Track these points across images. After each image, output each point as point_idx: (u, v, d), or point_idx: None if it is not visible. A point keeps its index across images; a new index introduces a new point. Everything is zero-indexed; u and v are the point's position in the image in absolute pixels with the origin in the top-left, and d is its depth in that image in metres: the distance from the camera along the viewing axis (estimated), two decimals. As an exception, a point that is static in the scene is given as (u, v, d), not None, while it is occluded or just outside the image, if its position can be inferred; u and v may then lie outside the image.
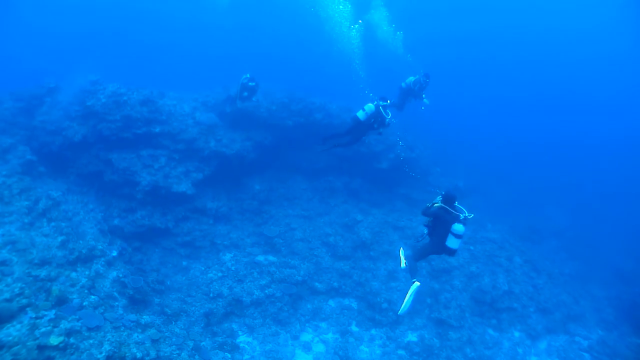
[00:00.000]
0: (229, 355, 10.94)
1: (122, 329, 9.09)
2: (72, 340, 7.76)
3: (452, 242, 7.69)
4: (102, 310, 9.22)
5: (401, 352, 12.18)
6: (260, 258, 13.94)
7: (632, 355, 13.54)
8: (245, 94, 14.56)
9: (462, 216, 7.61)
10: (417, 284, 8.57)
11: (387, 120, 10.22)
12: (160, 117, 14.13)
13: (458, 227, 7.54)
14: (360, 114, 10.17)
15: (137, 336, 9.11)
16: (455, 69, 40.28)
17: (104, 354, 7.91)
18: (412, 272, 8.79)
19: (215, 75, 20.44)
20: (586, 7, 43.68)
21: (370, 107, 10.14)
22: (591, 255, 18.89)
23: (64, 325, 7.93)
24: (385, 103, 10.21)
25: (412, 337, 12.67)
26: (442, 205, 7.79)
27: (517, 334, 13.60)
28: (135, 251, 12.94)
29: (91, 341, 8.06)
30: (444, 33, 49.19)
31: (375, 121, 10.22)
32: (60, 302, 8.61)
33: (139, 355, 8.48)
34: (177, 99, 15.43)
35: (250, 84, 14.40)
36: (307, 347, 11.89)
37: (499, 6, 47.84)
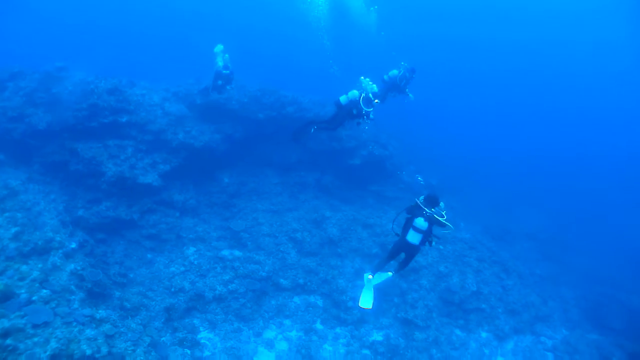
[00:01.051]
0: (189, 352, 10.73)
1: (73, 325, 8.80)
2: (8, 341, 7.38)
3: (411, 236, 7.78)
4: (54, 305, 8.94)
5: (365, 351, 12.06)
6: (226, 252, 13.71)
7: (588, 350, 13.71)
8: (220, 82, 14.25)
9: (427, 212, 7.65)
10: (370, 276, 8.65)
11: (370, 113, 9.95)
12: (128, 107, 13.83)
13: (418, 221, 7.67)
14: (342, 99, 9.99)
15: (90, 332, 8.85)
16: (436, 67, 40.05)
17: (48, 352, 7.63)
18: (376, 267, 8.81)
19: (190, 65, 20.06)
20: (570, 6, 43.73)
21: (354, 93, 9.92)
22: (563, 257, 19.04)
23: (3, 324, 7.58)
24: (370, 96, 9.91)
25: (377, 336, 12.57)
26: (419, 202, 7.85)
27: (484, 334, 13.57)
28: (99, 243, 12.64)
29: (36, 339, 7.76)
30: (427, 31, 48.94)
31: (356, 109, 9.97)
32: (5, 297, 8.27)
33: (88, 352, 8.24)
34: (148, 89, 15.13)
35: (225, 71, 14.08)
36: (269, 345, 11.74)
37: (481, 6, 47.86)
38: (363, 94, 9.90)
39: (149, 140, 13.95)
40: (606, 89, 48.61)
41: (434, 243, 8.14)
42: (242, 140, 16.26)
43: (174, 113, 14.56)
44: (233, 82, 14.30)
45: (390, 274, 8.87)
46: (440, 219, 7.73)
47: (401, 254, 8.52)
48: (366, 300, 8.74)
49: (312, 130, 10.85)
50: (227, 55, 13.61)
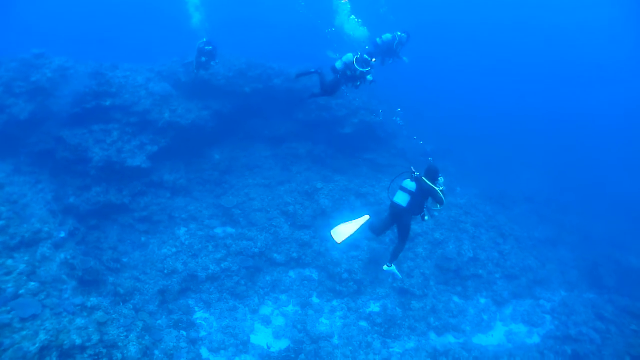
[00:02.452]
0: (185, 333, 10.86)
1: (63, 315, 8.88)
2: (-7, 338, 7.37)
3: (398, 197, 7.51)
4: (43, 297, 8.99)
5: (363, 323, 12.11)
6: (218, 230, 13.72)
7: (584, 310, 13.68)
8: (204, 59, 13.94)
9: (416, 173, 7.43)
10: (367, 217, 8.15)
11: (369, 75, 9.57)
12: (110, 90, 13.61)
13: (406, 182, 7.46)
14: (338, 64, 9.61)
15: (80, 321, 8.90)
16: (429, 30, 38.88)
17: (37, 345, 7.65)
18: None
19: (175, 43, 19.61)
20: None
21: (348, 56, 9.52)
22: (562, 219, 18.81)
23: (-13, 321, 7.58)
24: (366, 57, 9.49)
25: (374, 307, 12.58)
26: (412, 169, 7.57)
27: (482, 300, 13.54)
28: (91, 229, 12.68)
29: (24, 333, 7.79)
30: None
31: (350, 71, 9.57)
32: (-11, 294, 8.36)
33: (78, 341, 8.30)
34: (131, 70, 14.85)
35: (207, 48, 13.75)
36: (266, 321, 11.83)
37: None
38: (357, 56, 9.56)
39: (135, 123, 13.77)
40: (604, 46, 47.05)
41: (427, 217, 7.81)
42: (231, 116, 16.02)
43: (158, 93, 14.32)
44: (217, 58, 13.99)
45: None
46: (428, 182, 7.42)
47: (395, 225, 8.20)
48: (341, 234, 8.05)
49: (315, 72, 10.43)
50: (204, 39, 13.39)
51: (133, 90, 14.01)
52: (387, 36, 12.75)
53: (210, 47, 13.74)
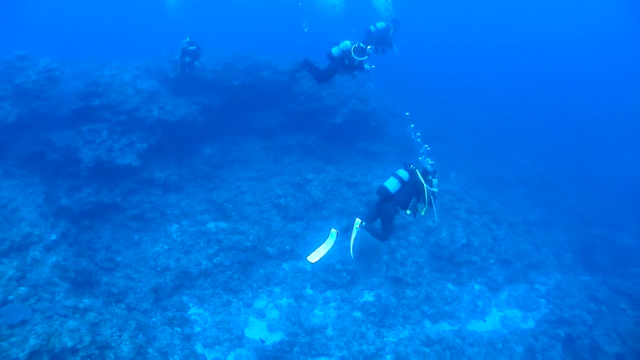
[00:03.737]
0: (179, 330, 10.94)
1: (54, 318, 8.89)
2: (-24, 348, 7.41)
3: (389, 182, 7.56)
4: (34, 301, 9.08)
5: (357, 313, 12.15)
6: (211, 225, 13.78)
7: (578, 293, 13.71)
8: (188, 59, 13.95)
9: (411, 166, 7.62)
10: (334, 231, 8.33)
11: (364, 63, 9.52)
12: (97, 90, 13.55)
13: (400, 171, 7.57)
14: (334, 50, 9.58)
15: (72, 323, 8.96)
16: (419, 13, 38.19)
17: (27, 350, 7.70)
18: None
19: (164, 38, 19.46)
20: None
21: (346, 44, 9.48)
22: (557, 201, 18.76)
23: (-28, 332, 7.63)
24: (363, 46, 9.44)
25: (368, 297, 12.63)
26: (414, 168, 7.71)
27: (477, 287, 13.54)
28: (84, 230, 12.75)
29: (13, 339, 7.82)
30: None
31: (348, 60, 9.54)
32: (-24, 303, 8.42)
33: (70, 344, 8.36)
34: (118, 68, 14.73)
35: (190, 48, 13.78)
36: (260, 314, 11.91)
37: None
38: (355, 44, 9.46)
39: (123, 121, 13.73)
40: (595, 20, 46.24)
41: (408, 212, 7.74)
42: (220, 110, 15.97)
43: (146, 90, 14.25)
44: (201, 58, 13.98)
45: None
46: (420, 177, 7.48)
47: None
48: (315, 256, 8.33)
49: (302, 69, 10.45)
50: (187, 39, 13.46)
51: (120, 89, 13.94)
52: (381, 24, 12.59)
53: (194, 47, 13.78)
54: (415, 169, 7.62)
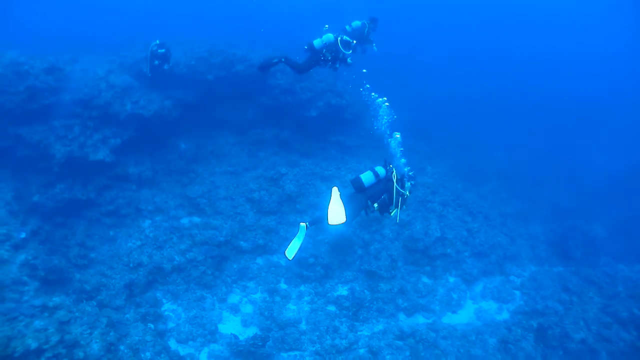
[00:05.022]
0: (152, 326, 10.94)
1: (19, 319, 8.79)
2: None
3: (365, 175, 7.52)
4: (-4, 304, 9.04)
5: (331, 307, 12.21)
6: (185, 221, 13.76)
7: (551, 284, 13.92)
8: (157, 62, 13.83)
9: (389, 166, 7.65)
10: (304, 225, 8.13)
11: (348, 57, 9.46)
12: (69, 85, 13.35)
13: (379, 167, 7.57)
14: (316, 42, 9.35)
15: (39, 323, 8.94)
16: (395, 7, 37.92)
17: None
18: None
19: (139, 31, 19.22)
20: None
21: (329, 37, 9.32)
22: (533, 193, 18.88)
23: None
24: (347, 38, 9.37)
25: (342, 291, 12.68)
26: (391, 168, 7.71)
27: (452, 279, 13.64)
28: (58, 227, 12.64)
29: None
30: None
31: (330, 53, 9.40)
32: None
33: (34, 345, 8.30)
34: (92, 62, 14.56)
35: (160, 50, 13.68)
36: (234, 309, 11.95)
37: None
38: (339, 37, 9.35)
39: (96, 116, 13.56)
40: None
41: (376, 205, 7.69)
42: (195, 104, 15.90)
43: (119, 85, 14.07)
44: (171, 60, 13.83)
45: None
46: (395, 177, 7.45)
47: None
48: (292, 250, 8.33)
49: (280, 61, 10.15)
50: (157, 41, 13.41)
51: (92, 84, 13.72)
52: (357, 23, 12.45)
53: (163, 50, 13.69)
54: (392, 169, 7.61)
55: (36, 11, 30.94)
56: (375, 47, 12.72)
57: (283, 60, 9.76)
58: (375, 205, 7.62)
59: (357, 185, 7.55)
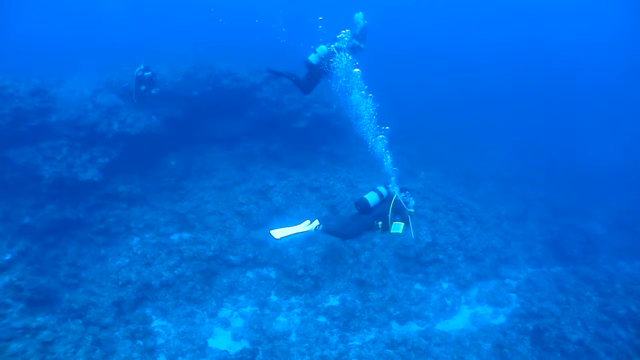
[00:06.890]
0: (141, 342, 10.88)
1: (-4, 343, 8.84)
2: None
3: (369, 196, 7.62)
4: (-26, 328, 9.01)
5: (321, 318, 12.05)
6: (174, 237, 13.73)
7: (548, 285, 13.62)
8: (143, 87, 13.79)
9: (390, 186, 7.84)
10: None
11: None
12: (55, 106, 13.58)
13: (380, 187, 7.70)
14: (312, 58, 9.01)
15: (16, 346, 8.92)
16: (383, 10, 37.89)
17: None
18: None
19: (127, 49, 19.44)
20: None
21: (322, 49, 9.02)
22: (529, 193, 18.61)
23: None
24: (340, 45, 9.08)
25: (333, 301, 12.52)
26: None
27: (445, 285, 13.42)
28: (49, 247, 12.73)
29: None
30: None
31: (329, 64, 9.10)
32: None
33: (8, 369, 8.32)
34: (78, 82, 14.79)
35: (145, 74, 13.63)
36: (225, 323, 11.83)
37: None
38: (332, 46, 9.22)
39: (83, 137, 13.75)
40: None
41: (380, 223, 7.59)
42: (183, 121, 16.01)
43: (105, 104, 14.26)
44: (157, 85, 13.81)
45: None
46: (399, 196, 7.65)
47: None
48: (282, 233, 7.84)
49: (289, 78, 9.98)
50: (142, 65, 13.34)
51: (79, 104, 13.94)
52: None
53: (149, 73, 13.59)
54: (393, 188, 7.80)
55: (17, 22, 31.41)
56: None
57: (293, 79, 9.65)
58: (380, 223, 7.66)
59: (363, 206, 7.60)
